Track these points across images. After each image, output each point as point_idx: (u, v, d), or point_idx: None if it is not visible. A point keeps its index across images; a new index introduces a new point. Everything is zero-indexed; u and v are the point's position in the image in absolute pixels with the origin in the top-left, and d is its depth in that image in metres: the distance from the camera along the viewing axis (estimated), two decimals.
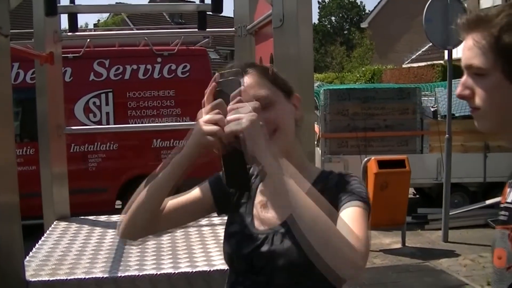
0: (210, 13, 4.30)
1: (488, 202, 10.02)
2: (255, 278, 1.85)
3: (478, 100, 1.65)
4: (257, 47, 5.23)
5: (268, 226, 1.89)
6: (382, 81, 25.73)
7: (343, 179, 1.92)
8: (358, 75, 27.83)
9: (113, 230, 4.34)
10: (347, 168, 9.99)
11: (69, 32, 4.96)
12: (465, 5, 9.68)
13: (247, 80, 1.84)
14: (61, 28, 4.96)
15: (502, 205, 1.72)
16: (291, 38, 3.19)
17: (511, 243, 1.59)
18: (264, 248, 1.84)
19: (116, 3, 31.71)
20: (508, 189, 1.72)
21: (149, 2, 30.47)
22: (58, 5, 4.18)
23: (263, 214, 1.94)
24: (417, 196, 11.99)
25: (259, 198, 1.98)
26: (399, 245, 8.93)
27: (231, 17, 5.91)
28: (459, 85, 1.69)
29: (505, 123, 1.65)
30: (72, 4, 4.37)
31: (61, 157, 4.88)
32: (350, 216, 1.76)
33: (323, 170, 2.04)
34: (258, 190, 1.99)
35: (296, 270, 1.81)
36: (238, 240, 1.90)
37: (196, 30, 4.78)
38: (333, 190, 1.87)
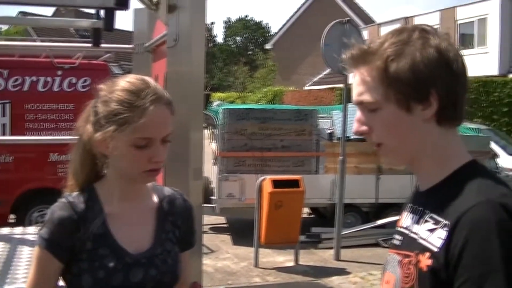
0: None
1: (379, 222, 10.36)
2: None
3: (377, 136, 1.58)
4: (153, 64, 5.26)
5: (139, 247, 2.00)
6: (283, 102, 26.14)
7: (189, 210, 2.19)
8: (260, 96, 28.13)
9: (3, 243, 4.26)
10: (244, 187, 10.10)
11: None
12: (363, 33, 9.98)
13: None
14: None
15: (397, 228, 1.68)
16: (184, 57, 3.26)
17: (401, 269, 1.54)
18: (153, 272, 1.98)
19: (19, 12, 30.82)
20: (405, 213, 1.67)
21: (53, 12, 29.62)
22: None
23: (126, 235, 1.99)
24: (312, 215, 12.24)
25: (114, 221, 1.99)
26: (292, 263, 9.05)
27: None
28: (355, 122, 1.61)
29: (412, 153, 1.57)
30: None
31: None
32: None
33: (154, 184, 2.17)
34: (107, 216, 1.99)
35: (175, 281, 2.07)
36: (124, 272, 1.93)
37: None
38: (181, 217, 2.14)
